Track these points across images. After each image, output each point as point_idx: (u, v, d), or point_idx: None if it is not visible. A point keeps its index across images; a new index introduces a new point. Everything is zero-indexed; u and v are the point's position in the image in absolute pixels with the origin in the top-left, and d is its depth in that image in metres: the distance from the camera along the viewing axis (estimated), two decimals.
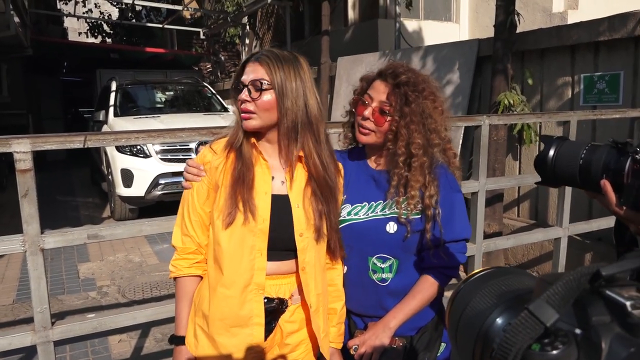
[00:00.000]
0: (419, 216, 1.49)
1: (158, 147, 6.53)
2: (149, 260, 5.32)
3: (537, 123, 4.66)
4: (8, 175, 8.90)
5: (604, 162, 0.96)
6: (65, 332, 2.12)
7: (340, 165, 1.55)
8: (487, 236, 3.78)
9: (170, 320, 1.80)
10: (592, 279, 0.44)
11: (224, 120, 7.15)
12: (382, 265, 1.53)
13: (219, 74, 13.61)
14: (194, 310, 1.47)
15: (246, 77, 1.38)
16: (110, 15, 18.62)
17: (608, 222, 3.49)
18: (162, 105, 8.47)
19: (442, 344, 1.60)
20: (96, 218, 7.28)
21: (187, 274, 1.47)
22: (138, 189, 6.47)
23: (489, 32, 5.09)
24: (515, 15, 4.47)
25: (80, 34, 23.04)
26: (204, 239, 1.46)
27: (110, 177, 6.89)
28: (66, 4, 16.85)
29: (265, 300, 1.40)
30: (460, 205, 1.54)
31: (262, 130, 1.42)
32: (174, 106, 8.43)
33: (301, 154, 1.42)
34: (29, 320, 2.90)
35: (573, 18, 7.41)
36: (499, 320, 0.49)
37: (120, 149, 6.48)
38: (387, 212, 1.51)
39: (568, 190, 3.33)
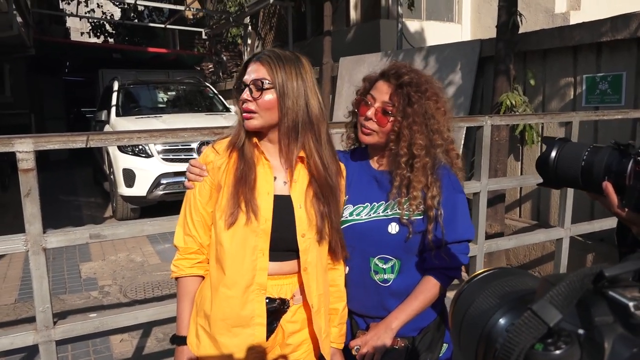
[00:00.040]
0: (421, 217, 1.49)
1: (160, 147, 6.54)
2: (150, 260, 5.33)
3: (539, 124, 4.66)
4: (10, 175, 8.92)
5: (606, 163, 0.96)
6: (67, 331, 2.12)
7: (343, 166, 1.55)
8: (488, 237, 3.77)
9: (172, 320, 1.80)
10: (595, 279, 0.44)
11: (226, 120, 7.15)
12: (384, 266, 1.52)
13: (220, 74, 13.62)
14: (196, 310, 1.47)
15: (248, 77, 1.39)
16: (112, 15, 18.65)
17: (610, 222, 3.48)
18: (164, 105, 8.48)
19: (444, 344, 1.60)
20: (98, 218, 7.30)
21: (189, 274, 1.47)
22: (140, 189, 6.48)
23: (491, 33, 5.09)
24: (518, 16, 4.47)
25: (82, 33, 23.10)
26: (206, 239, 1.46)
27: (112, 176, 6.91)
28: (69, 3, 16.88)
29: (267, 301, 1.40)
30: (462, 206, 1.54)
31: (263, 130, 1.42)
32: (176, 106, 8.44)
33: (302, 154, 1.42)
34: (31, 320, 2.91)
35: (575, 19, 7.41)
36: (501, 321, 0.49)
37: (122, 149, 6.49)
38: (389, 213, 1.51)
39: (570, 190, 3.33)
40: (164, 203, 6.61)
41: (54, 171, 11.14)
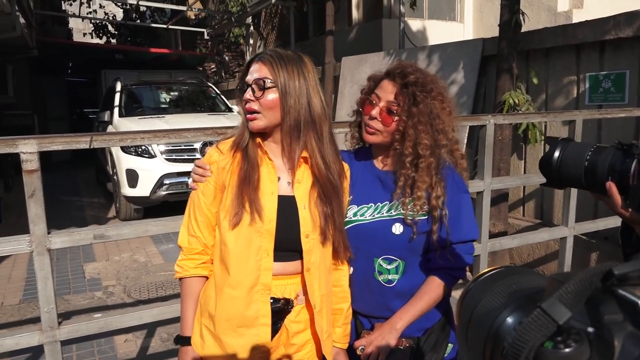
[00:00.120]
0: (425, 217, 1.49)
1: (163, 148, 6.55)
2: (154, 260, 5.33)
3: (542, 122, 4.65)
4: (14, 176, 8.94)
5: (609, 163, 0.95)
6: (72, 332, 2.13)
7: (346, 166, 1.55)
8: (492, 236, 3.77)
9: (176, 320, 1.80)
10: (604, 277, 0.43)
11: (229, 120, 7.17)
12: (388, 267, 1.52)
13: (223, 74, 13.64)
14: (200, 310, 1.47)
15: (250, 77, 1.39)
16: (114, 16, 18.68)
17: (614, 221, 3.47)
18: (166, 106, 8.50)
19: (449, 345, 1.59)
20: (101, 218, 7.31)
21: (193, 275, 1.47)
22: (143, 189, 6.49)
23: (494, 32, 5.08)
24: (520, 15, 4.46)
25: (85, 34, 23.11)
26: (210, 240, 1.46)
27: (115, 177, 6.92)
28: (71, 4, 16.92)
29: (271, 301, 1.40)
30: (467, 206, 1.54)
31: (267, 131, 1.42)
32: (179, 106, 8.45)
33: (305, 154, 1.42)
34: (36, 320, 2.92)
35: (578, 17, 7.39)
36: (509, 320, 0.49)
37: (125, 149, 6.50)
38: (393, 213, 1.51)
39: (574, 189, 3.32)
40: (167, 203, 6.62)
41: (57, 172, 11.17)
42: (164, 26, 14.80)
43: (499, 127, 4.40)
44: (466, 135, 5.12)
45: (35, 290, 2.09)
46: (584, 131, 3.47)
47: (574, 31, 4.42)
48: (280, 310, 1.42)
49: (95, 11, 17.48)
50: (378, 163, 1.60)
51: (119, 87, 8.01)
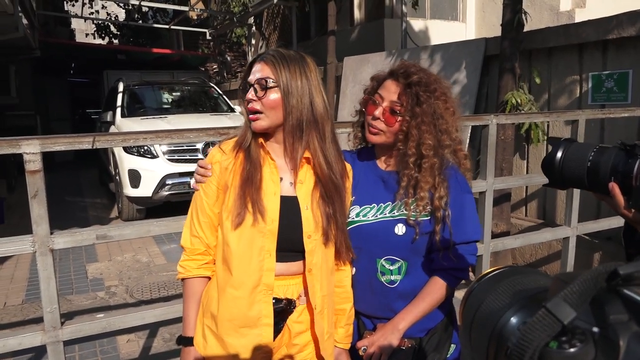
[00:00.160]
0: (428, 218, 1.48)
1: (165, 148, 6.56)
2: (156, 260, 5.34)
3: (544, 122, 4.64)
4: (17, 176, 8.96)
5: (612, 164, 0.95)
6: (74, 332, 2.13)
7: (349, 167, 1.55)
8: (494, 236, 3.76)
9: (178, 320, 1.80)
10: (609, 277, 0.43)
11: (231, 120, 7.18)
12: (391, 267, 1.52)
13: (225, 74, 13.65)
14: (202, 310, 1.47)
15: (252, 77, 1.39)
16: (117, 16, 18.72)
17: (617, 221, 3.46)
18: (168, 106, 8.51)
19: (452, 345, 1.59)
20: (104, 218, 7.32)
21: (195, 275, 1.47)
22: (145, 190, 6.50)
23: (496, 31, 5.08)
24: (523, 14, 4.45)
25: (87, 35, 23.18)
26: (212, 240, 1.46)
27: (117, 177, 6.93)
28: (73, 5, 16.95)
29: (274, 301, 1.40)
30: (470, 207, 1.53)
31: (269, 131, 1.41)
32: (181, 107, 8.47)
33: (308, 155, 1.41)
34: (39, 320, 2.92)
35: (581, 16, 7.38)
36: (513, 320, 0.49)
37: (127, 150, 6.51)
38: (396, 214, 1.50)
39: (577, 189, 3.31)
40: (170, 203, 6.63)
41: (59, 172, 11.19)
42: (166, 26, 14.82)
43: (502, 126, 4.40)
44: (468, 135, 5.11)
45: (37, 291, 2.09)
46: (587, 131, 3.46)
47: (577, 30, 4.41)
48: (282, 310, 1.42)
49: (97, 12, 17.52)
50: (381, 163, 1.60)
51: (121, 87, 8.03)
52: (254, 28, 12.77)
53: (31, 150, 1.95)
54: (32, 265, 4.94)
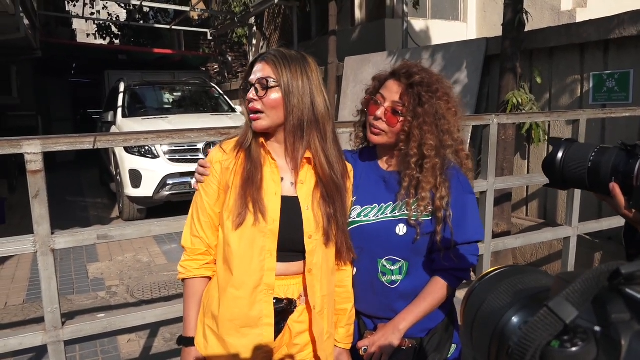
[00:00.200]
0: (429, 218, 1.48)
1: (166, 148, 6.57)
2: (157, 260, 5.34)
3: (545, 122, 4.63)
4: (18, 176, 8.97)
5: (612, 164, 0.95)
6: (75, 332, 2.13)
7: (350, 167, 1.54)
8: (495, 236, 3.76)
9: (179, 320, 1.80)
10: (611, 276, 0.43)
11: (232, 120, 7.18)
12: (392, 268, 1.52)
13: (226, 74, 13.66)
14: (203, 311, 1.47)
15: (253, 77, 1.39)
16: (118, 16, 18.72)
17: (618, 221, 3.46)
18: (169, 106, 8.52)
19: (453, 345, 1.59)
20: (105, 218, 7.33)
21: (196, 275, 1.47)
22: (146, 190, 6.51)
23: (497, 31, 5.07)
24: (524, 14, 4.45)
25: (88, 35, 23.19)
26: (213, 240, 1.46)
27: (118, 177, 6.94)
28: (74, 5, 16.96)
29: (275, 301, 1.40)
30: (472, 207, 1.53)
31: (270, 131, 1.41)
32: (182, 107, 8.48)
33: (309, 155, 1.41)
34: (40, 320, 2.92)
35: (582, 16, 7.37)
36: (514, 319, 0.49)
37: (128, 150, 6.52)
38: (397, 214, 1.50)
39: (577, 189, 3.31)
40: (171, 203, 6.64)
41: (61, 172, 11.21)
42: (167, 27, 14.83)
43: (503, 126, 4.39)
44: (469, 134, 5.11)
45: (38, 291, 2.10)
46: (588, 131, 3.46)
47: (578, 30, 4.40)
48: (283, 310, 1.42)
49: (98, 12, 17.52)
50: (382, 163, 1.60)
51: (122, 87, 8.04)
52: (255, 28, 12.79)
53: (32, 150, 1.95)
54: (33, 265, 4.95)
